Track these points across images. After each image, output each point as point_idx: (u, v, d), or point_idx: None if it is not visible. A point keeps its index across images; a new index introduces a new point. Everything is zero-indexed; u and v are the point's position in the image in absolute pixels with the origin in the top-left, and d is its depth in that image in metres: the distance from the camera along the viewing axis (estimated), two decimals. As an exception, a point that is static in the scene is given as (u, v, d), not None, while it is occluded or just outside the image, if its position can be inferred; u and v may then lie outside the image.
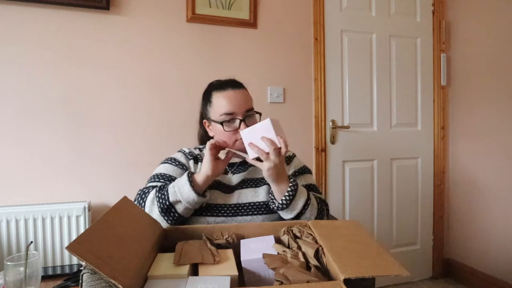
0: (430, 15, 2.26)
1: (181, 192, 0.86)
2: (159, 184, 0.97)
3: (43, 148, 1.57)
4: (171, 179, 0.98)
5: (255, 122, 1.03)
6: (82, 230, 1.52)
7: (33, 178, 1.56)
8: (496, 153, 1.99)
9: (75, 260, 1.51)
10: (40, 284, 0.83)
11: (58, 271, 1.42)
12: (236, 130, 1.00)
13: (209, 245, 0.72)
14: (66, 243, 1.50)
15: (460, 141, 2.23)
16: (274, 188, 0.90)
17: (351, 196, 2.11)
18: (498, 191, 1.98)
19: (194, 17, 1.77)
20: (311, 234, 0.73)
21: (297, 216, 0.90)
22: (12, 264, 0.82)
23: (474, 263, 2.12)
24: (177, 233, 0.79)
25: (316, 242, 0.70)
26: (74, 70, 1.61)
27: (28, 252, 0.80)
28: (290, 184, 0.89)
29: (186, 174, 0.89)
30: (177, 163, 1.04)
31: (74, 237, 1.51)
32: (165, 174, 1.00)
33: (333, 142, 2.06)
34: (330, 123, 2.04)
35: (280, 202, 0.89)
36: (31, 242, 0.90)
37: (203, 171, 0.89)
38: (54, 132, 1.59)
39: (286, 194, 0.88)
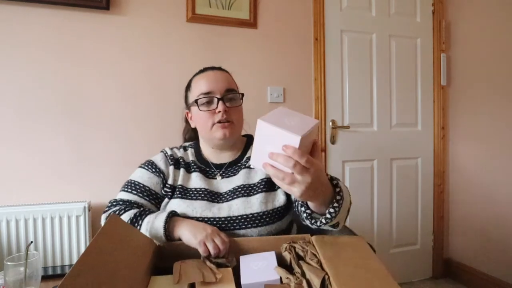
0: (430, 15, 2.26)
1: (156, 237, 0.78)
2: (130, 197, 0.90)
3: (43, 148, 1.57)
4: (144, 190, 0.91)
5: (237, 104, 0.93)
6: (82, 230, 1.52)
7: (33, 178, 1.56)
8: (496, 153, 1.99)
9: (75, 260, 1.50)
10: (40, 284, 0.83)
11: (58, 271, 1.42)
12: (214, 111, 0.90)
13: (208, 263, 0.68)
14: (66, 243, 1.50)
15: (460, 141, 2.23)
16: (312, 204, 0.70)
17: (351, 196, 2.10)
18: (498, 191, 1.98)
19: (194, 17, 1.77)
20: (315, 255, 0.69)
21: (332, 225, 0.73)
22: (12, 264, 0.81)
23: (474, 263, 2.12)
24: (171, 251, 0.74)
25: (321, 265, 0.66)
26: (74, 70, 1.61)
27: (28, 252, 0.80)
28: (338, 197, 0.69)
29: (163, 225, 0.78)
30: (154, 169, 0.95)
31: (74, 237, 1.51)
32: (139, 183, 0.92)
33: (333, 142, 2.05)
34: (330, 123, 2.04)
35: (325, 218, 0.70)
36: (31, 242, 0.90)
37: (182, 237, 0.77)
38: (54, 132, 1.59)
39: (332, 210, 0.68)
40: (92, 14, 1.62)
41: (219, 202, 0.90)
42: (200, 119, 0.93)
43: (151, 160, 0.98)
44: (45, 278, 1.28)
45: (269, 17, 1.93)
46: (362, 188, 2.14)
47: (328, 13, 2.03)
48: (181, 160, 0.98)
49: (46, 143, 1.58)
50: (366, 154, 2.14)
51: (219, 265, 0.69)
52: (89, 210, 1.55)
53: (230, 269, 0.67)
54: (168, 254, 0.73)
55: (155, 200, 0.92)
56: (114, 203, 0.90)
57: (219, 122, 0.90)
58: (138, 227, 0.80)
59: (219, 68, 1.01)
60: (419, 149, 2.27)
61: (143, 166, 0.97)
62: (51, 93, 1.58)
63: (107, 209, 0.91)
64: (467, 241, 2.17)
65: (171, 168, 0.95)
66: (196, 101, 0.91)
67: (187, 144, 1.06)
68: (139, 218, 0.82)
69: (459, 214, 2.24)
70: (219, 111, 0.89)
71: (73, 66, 1.61)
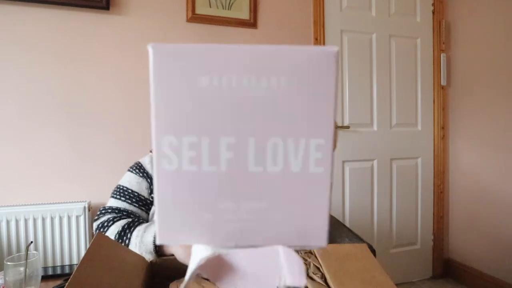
0: (430, 15, 2.26)
1: (146, 252, 0.75)
2: (120, 204, 0.86)
3: (43, 148, 1.57)
4: (133, 196, 0.88)
5: None
6: (82, 230, 1.52)
7: (33, 178, 1.56)
8: (496, 153, 1.99)
9: (75, 260, 1.51)
10: (40, 284, 0.83)
11: (58, 271, 1.42)
12: None
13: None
14: (66, 243, 1.50)
15: (460, 141, 2.23)
16: None
17: (351, 196, 2.11)
18: (498, 191, 1.98)
19: (194, 17, 1.77)
20: (319, 269, 0.67)
21: None
22: (12, 264, 0.82)
23: (474, 263, 2.12)
24: (164, 268, 0.70)
25: (325, 280, 0.64)
26: (73, 70, 1.61)
27: (28, 252, 0.80)
28: None
29: (152, 240, 0.75)
30: (142, 173, 0.91)
31: (74, 237, 1.51)
32: (127, 189, 0.89)
33: (333, 142, 2.05)
34: (330, 123, 2.04)
35: None
36: (31, 242, 0.90)
37: (176, 255, 0.73)
38: (54, 132, 1.59)
39: None
40: (92, 14, 1.62)
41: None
42: None
43: (139, 162, 0.93)
44: (45, 278, 1.28)
45: (269, 17, 1.93)
46: (362, 188, 2.14)
47: (328, 13, 2.03)
48: None
49: (46, 143, 1.58)
50: (366, 154, 2.14)
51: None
52: (89, 210, 1.55)
53: None
54: (161, 272, 0.69)
55: (145, 206, 0.88)
56: (103, 211, 0.87)
57: None
58: (127, 241, 0.77)
59: None
60: (419, 149, 2.27)
61: (131, 169, 0.92)
62: (51, 93, 1.58)
63: (97, 217, 0.88)
64: (467, 241, 2.17)
65: None
66: None
67: None
68: (127, 231, 0.78)
69: (459, 214, 2.24)
70: None
71: (73, 65, 1.61)
